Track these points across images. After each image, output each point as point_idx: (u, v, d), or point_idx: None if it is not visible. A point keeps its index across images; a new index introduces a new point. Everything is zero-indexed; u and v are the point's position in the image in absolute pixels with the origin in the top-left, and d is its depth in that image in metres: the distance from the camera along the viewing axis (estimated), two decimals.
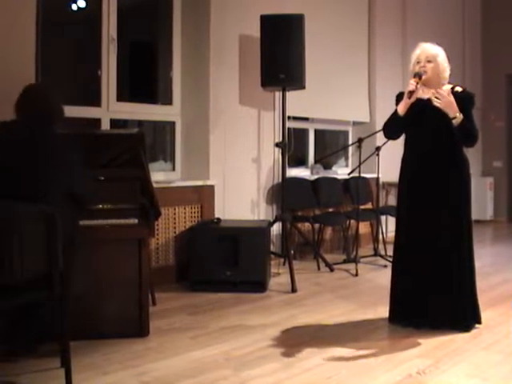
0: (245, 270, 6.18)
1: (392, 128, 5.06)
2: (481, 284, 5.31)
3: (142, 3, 7.25)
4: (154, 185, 4.96)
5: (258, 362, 4.16)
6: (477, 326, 4.92)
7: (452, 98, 4.67)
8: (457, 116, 4.66)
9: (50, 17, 5.87)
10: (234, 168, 7.30)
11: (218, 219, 6.65)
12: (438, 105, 4.68)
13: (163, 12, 7.12)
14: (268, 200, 7.78)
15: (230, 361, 4.20)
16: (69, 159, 4.02)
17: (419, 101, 4.91)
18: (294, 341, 4.63)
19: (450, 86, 4.92)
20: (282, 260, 7.27)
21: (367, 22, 9.62)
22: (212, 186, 7.00)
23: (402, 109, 4.88)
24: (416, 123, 4.88)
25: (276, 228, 7.38)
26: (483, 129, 11.96)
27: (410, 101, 4.83)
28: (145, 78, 7.22)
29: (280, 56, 6.87)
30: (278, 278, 6.80)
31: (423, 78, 4.86)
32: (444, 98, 4.67)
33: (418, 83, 4.80)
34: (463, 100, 4.82)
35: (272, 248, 7.10)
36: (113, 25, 6.41)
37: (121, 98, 6.56)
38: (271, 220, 7.20)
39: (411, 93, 4.79)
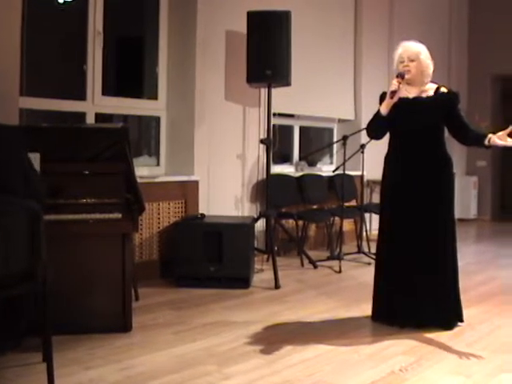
0: (229, 266, 6.17)
1: (375, 128, 5.05)
2: (464, 282, 5.32)
3: None
4: (139, 180, 4.92)
5: (242, 358, 4.14)
6: (459, 324, 4.92)
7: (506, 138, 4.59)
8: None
9: (36, 10, 5.83)
10: (219, 164, 7.28)
11: (202, 215, 6.63)
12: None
13: (150, 7, 7.08)
14: (252, 196, 7.77)
15: (213, 356, 4.18)
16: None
17: (404, 100, 4.91)
18: (277, 337, 4.61)
19: (436, 85, 4.92)
20: (265, 256, 7.24)
21: (353, 20, 9.63)
22: (196, 182, 6.97)
23: (384, 109, 4.87)
24: (400, 122, 4.87)
25: (260, 224, 7.36)
26: None
27: (392, 101, 4.82)
28: (130, 72, 7.18)
29: (266, 52, 6.85)
30: (262, 274, 6.78)
31: (406, 77, 4.86)
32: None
33: (400, 83, 4.80)
34: (450, 100, 4.85)
35: (256, 244, 7.07)
36: (99, 19, 6.36)
37: (106, 92, 6.51)
38: (255, 216, 7.20)
39: (393, 93, 4.78)
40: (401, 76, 4.82)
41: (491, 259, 8.11)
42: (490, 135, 4.62)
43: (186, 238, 6.23)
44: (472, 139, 4.82)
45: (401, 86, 4.80)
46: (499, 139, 4.56)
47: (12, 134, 3.90)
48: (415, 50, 4.88)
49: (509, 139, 4.53)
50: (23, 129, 4.83)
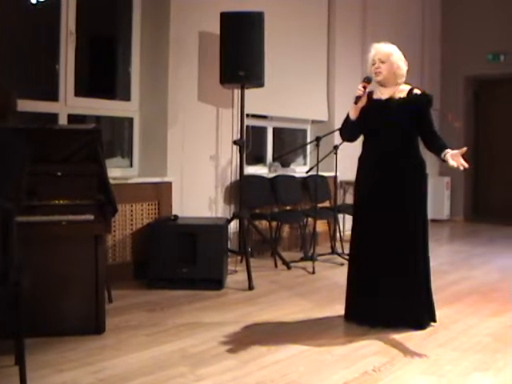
0: (202, 268, 6.17)
1: (347, 131, 5.11)
2: (437, 282, 5.37)
3: None
4: (111, 181, 4.91)
5: (215, 360, 4.15)
6: (432, 324, 4.96)
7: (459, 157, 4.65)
8: None
9: (8, 9, 5.79)
10: (192, 165, 7.27)
11: (176, 216, 6.62)
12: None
13: (123, 7, 7.06)
14: (226, 197, 7.77)
15: (186, 358, 4.18)
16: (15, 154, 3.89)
17: (376, 101, 4.95)
18: (250, 338, 4.62)
19: (409, 87, 4.96)
20: (239, 257, 7.26)
21: (327, 21, 9.65)
22: (170, 183, 6.96)
23: (352, 113, 4.93)
24: (372, 124, 4.91)
25: (233, 225, 7.37)
26: (441, 129, 12.05)
27: (357, 106, 4.86)
28: (103, 73, 7.14)
29: (239, 53, 6.88)
30: (235, 275, 6.79)
31: (377, 79, 4.91)
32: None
33: (365, 87, 4.83)
34: (421, 103, 4.88)
35: (229, 245, 7.07)
36: (72, 19, 6.33)
37: (79, 93, 6.48)
38: (229, 217, 7.20)
39: (358, 98, 4.83)
40: (367, 80, 4.86)
41: (464, 259, 8.18)
42: (447, 151, 4.66)
43: (159, 240, 6.22)
44: (434, 148, 4.85)
45: (366, 90, 4.85)
46: (452, 158, 4.62)
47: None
48: (386, 52, 4.92)
49: (461, 159, 4.59)
50: None
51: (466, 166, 4.55)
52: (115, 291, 5.70)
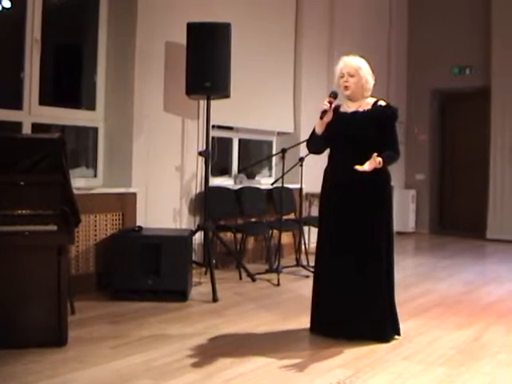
0: (166, 279, 6.16)
1: (313, 145, 5.15)
2: (402, 295, 5.42)
3: (68, 5, 7.15)
4: (75, 191, 4.90)
5: (179, 372, 4.14)
6: (396, 337, 5.00)
7: (374, 162, 4.67)
8: (379, 166, 4.71)
9: None
10: (157, 176, 7.26)
11: (140, 227, 6.60)
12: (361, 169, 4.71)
13: (89, 15, 7.04)
14: (191, 209, 7.77)
15: (150, 371, 4.17)
16: None
17: (342, 114, 4.99)
18: (214, 351, 4.62)
19: (374, 99, 5.00)
20: (203, 269, 7.25)
21: (294, 33, 9.71)
22: (134, 194, 6.94)
23: (318, 128, 4.96)
24: (337, 137, 4.94)
25: (198, 237, 7.35)
26: (407, 142, 12.28)
27: (323, 121, 4.90)
28: (68, 82, 7.11)
29: (205, 64, 6.89)
30: (200, 287, 6.78)
31: (346, 93, 4.96)
32: (369, 169, 4.69)
33: (331, 103, 4.87)
34: (385, 114, 4.92)
35: (194, 257, 7.07)
36: (37, 26, 6.28)
37: (43, 101, 6.43)
38: (193, 229, 7.19)
39: (324, 113, 4.86)
40: (333, 95, 4.89)
41: (429, 272, 8.27)
42: (375, 154, 4.69)
43: (123, 251, 6.20)
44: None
45: (332, 105, 4.88)
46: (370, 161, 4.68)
47: None
48: (355, 65, 4.96)
49: (368, 164, 4.66)
50: None
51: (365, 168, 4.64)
52: (78, 303, 5.66)
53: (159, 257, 6.19)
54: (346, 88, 4.97)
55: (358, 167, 4.66)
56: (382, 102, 4.98)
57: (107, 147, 7.07)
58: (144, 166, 7.08)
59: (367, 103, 4.97)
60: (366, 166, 4.64)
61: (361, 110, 4.95)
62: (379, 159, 4.67)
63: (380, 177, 4.92)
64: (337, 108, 5.05)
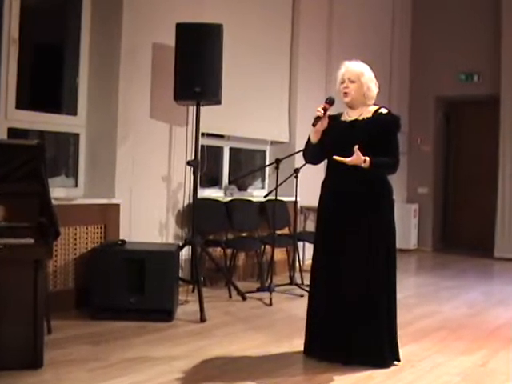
0: (151, 297, 6.14)
1: (309, 154, 5.15)
2: (403, 317, 5.41)
3: (48, 3, 7.16)
4: (54, 202, 4.89)
5: None
6: (396, 363, 4.96)
7: (357, 156, 4.71)
8: (363, 165, 4.73)
9: None
10: (142, 186, 7.26)
11: (123, 241, 6.59)
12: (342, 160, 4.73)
13: (71, 12, 7.04)
14: (178, 222, 7.76)
15: None
16: None
17: (341, 123, 4.99)
18: (201, 374, 4.61)
19: (375, 107, 5.01)
20: (190, 287, 7.25)
21: (290, 37, 9.75)
22: (117, 205, 6.93)
23: (312, 137, 4.96)
24: (335, 147, 4.90)
25: (185, 252, 7.36)
26: (409, 153, 12.28)
27: (317, 128, 4.89)
28: (48, 84, 7.10)
29: (195, 68, 6.89)
30: (187, 306, 6.77)
31: (346, 100, 4.96)
32: (349, 162, 4.72)
33: (326, 109, 4.87)
34: (386, 123, 4.92)
35: (181, 274, 7.07)
36: (15, 25, 6.27)
37: (21, 105, 6.42)
38: (180, 244, 7.19)
39: (317, 120, 4.85)
40: (329, 101, 4.89)
41: (432, 292, 8.28)
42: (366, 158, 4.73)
43: (104, 266, 6.18)
44: None
45: (327, 112, 4.88)
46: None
47: None
48: (357, 71, 4.96)
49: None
50: None
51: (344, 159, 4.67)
52: (55, 321, 5.63)
53: (143, 273, 6.17)
54: (346, 94, 4.97)
55: (337, 157, 4.68)
56: (383, 110, 4.98)
57: (89, 155, 7.06)
58: (128, 175, 7.07)
59: (368, 111, 4.97)
60: (347, 159, 4.66)
61: (361, 118, 4.95)
62: (365, 158, 4.68)
63: (381, 190, 4.93)
64: (337, 116, 5.05)
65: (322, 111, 4.86)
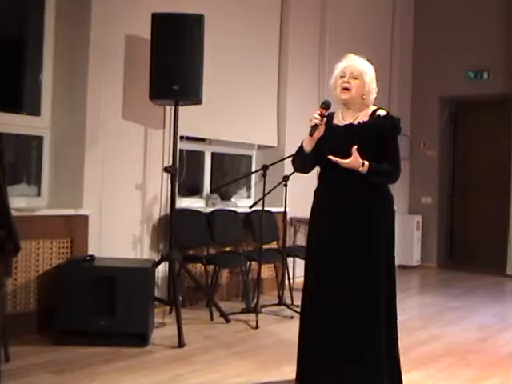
0: (123, 320, 6.13)
1: (300, 163, 5.11)
2: (405, 341, 5.40)
3: None
4: (14, 213, 4.86)
5: None
6: None
7: (355, 158, 4.70)
8: (360, 169, 4.72)
9: None
10: (114, 195, 7.24)
11: (92, 257, 6.56)
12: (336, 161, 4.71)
13: (33, 2, 7.03)
14: (153, 235, 7.75)
15: None
16: None
17: (336, 127, 4.96)
18: None
19: (373, 108, 4.98)
20: (167, 308, 7.25)
21: (279, 32, 9.76)
22: (86, 217, 6.91)
23: (307, 145, 4.91)
24: (329, 154, 4.87)
25: (162, 269, 7.35)
26: (411, 159, 12.32)
27: (313, 138, 4.85)
28: (7, 81, 7.07)
29: (174, 63, 6.88)
30: (163, 329, 6.75)
31: (343, 97, 4.92)
32: (346, 164, 4.70)
33: (324, 116, 4.83)
34: (385, 126, 4.89)
35: (156, 293, 7.06)
36: None
37: None
38: (156, 259, 7.17)
39: (314, 127, 4.82)
40: (325, 106, 4.84)
41: (436, 314, 8.28)
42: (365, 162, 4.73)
43: (71, 285, 6.15)
44: None
45: (324, 119, 4.85)
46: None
47: None
48: (361, 68, 4.92)
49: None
50: None
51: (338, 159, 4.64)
52: (14, 347, 5.60)
53: (115, 292, 6.15)
54: (346, 90, 4.92)
55: (333, 158, 4.66)
56: (381, 112, 4.94)
57: (54, 160, 7.04)
58: (98, 183, 7.05)
59: (365, 114, 4.93)
60: (345, 161, 4.65)
61: (356, 122, 4.92)
62: (364, 161, 4.66)
63: (381, 200, 4.91)
64: (329, 119, 5.01)
65: (319, 118, 4.82)
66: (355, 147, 4.65)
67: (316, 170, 5.12)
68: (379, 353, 4.84)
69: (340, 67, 4.98)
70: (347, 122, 4.93)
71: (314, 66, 10.07)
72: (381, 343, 4.85)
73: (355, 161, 4.66)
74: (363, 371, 4.82)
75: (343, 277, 4.84)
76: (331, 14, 10.49)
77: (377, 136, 4.83)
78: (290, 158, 5.22)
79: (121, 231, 7.35)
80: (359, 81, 4.89)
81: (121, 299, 6.14)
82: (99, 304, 6.14)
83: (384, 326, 4.88)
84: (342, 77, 4.94)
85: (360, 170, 4.69)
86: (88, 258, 6.54)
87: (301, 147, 5.00)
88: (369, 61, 5.01)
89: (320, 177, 5.06)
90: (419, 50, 12.76)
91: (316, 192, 5.06)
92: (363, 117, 4.92)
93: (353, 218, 4.85)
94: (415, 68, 12.80)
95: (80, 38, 6.95)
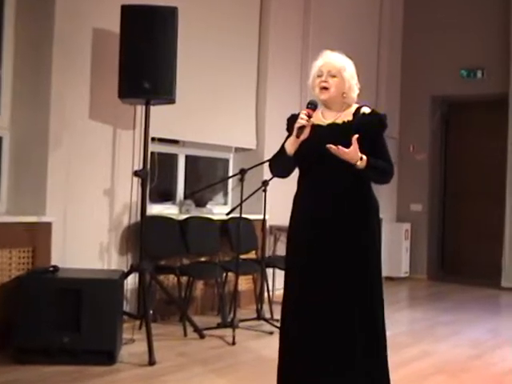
0: (88, 336, 6.10)
1: (279, 165, 5.08)
2: (394, 358, 5.38)
3: None
4: None
5: None
6: None
7: (355, 149, 4.67)
8: (358, 163, 4.70)
9: None
10: (80, 201, 7.22)
11: (55, 268, 6.53)
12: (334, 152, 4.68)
13: None
14: (122, 244, 7.73)
15: None
16: None
17: (317, 128, 4.93)
18: None
19: (356, 106, 4.97)
20: (137, 323, 7.22)
21: (258, 27, 9.77)
22: (49, 224, 6.88)
23: (289, 148, 4.88)
24: (311, 157, 4.86)
25: (131, 281, 7.34)
26: (400, 163, 12.31)
27: (299, 140, 4.83)
28: None
29: (145, 59, 6.88)
30: (132, 346, 6.72)
31: (324, 98, 4.90)
32: (345, 154, 4.68)
33: (310, 117, 4.81)
34: (371, 124, 4.87)
35: (125, 307, 7.04)
36: None
37: None
38: (125, 270, 7.15)
39: (301, 129, 4.79)
40: (312, 106, 4.82)
41: (427, 329, 8.30)
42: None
43: (32, 298, 6.13)
44: None
45: (311, 119, 4.82)
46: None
47: None
48: (339, 65, 4.90)
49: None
50: None
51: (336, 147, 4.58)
52: None
53: (80, 306, 6.13)
54: (324, 90, 4.91)
55: (332, 146, 4.60)
56: (365, 109, 4.92)
57: (14, 163, 7.01)
58: (62, 188, 7.03)
59: (348, 113, 4.92)
60: (345, 150, 4.60)
61: (339, 121, 4.91)
62: (362, 155, 4.64)
63: (365, 206, 4.90)
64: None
65: (306, 118, 4.80)
66: (356, 136, 4.60)
67: (296, 174, 5.10)
68: (366, 370, 4.83)
69: (317, 65, 4.95)
70: (330, 121, 4.92)
71: (297, 60, 10.09)
72: (372, 360, 4.84)
73: (355, 152, 4.61)
74: None
75: (326, 289, 4.83)
76: (315, 8, 10.50)
77: (364, 135, 4.81)
78: (268, 163, 5.20)
79: (87, 240, 7.32)
80: (338, 79, 4.87)
81: (86, 313, 6.11)
82: (63, 319, 6.11)
83: (372, 343, 4.87)
84: (319, 76, 4.92)
85: (358, 164, 4.65)
86: (51, 268, 6.50)
87: (281, 150, 4.97)
88: (347, 55, 5.01)
89: (299, 182, 5.03)
90: (409, 47, 12.80)
91: (295, 198, 5.03)
92: (346, 116, 4.89)
93: (336, 226, 4.82)
94: (405, 65, 12.84)
95: (43, 32, 6.93)
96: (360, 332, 4.82)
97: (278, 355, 5.04)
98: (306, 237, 4.94)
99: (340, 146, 4.58)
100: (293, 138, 4.80)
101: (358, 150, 4.62)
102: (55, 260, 6.85)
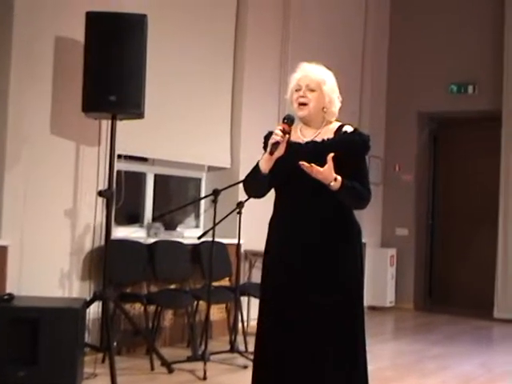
0: (47, 370, 6.07)
1: (254, 186, 5.05)
2: None
3: None
4: None
5: None
6: None
7: (329, 169, 4.63)
8: (332, 184, 4.66)
9: None
10: (39, 223, 7.19)
11: (10, 295, 6.48)
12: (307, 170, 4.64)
13: None
14: (85, 270, 7.69)
15: None
16: None
17: (295, 146, 4.90)
18: None
19: (338, 124, 4.95)
20: (100, 356, 7.18)
21: (234, 36, 9.79)
22: (4, 248, 6.85)
23: (263, 165, 4.84)
24: (288, 177, 4.84)
25: (94, 310, 7.29)
26: (385, 184, 12.33)
27: (273, 157, 4.79)
28: None
29: (111, 70, 6.91)
30: (94, 381, 6.67)
31: (301, 114, 4.87)
32: (318, 172, 4.63)
33: (286, 132, 4.77)
34: (352, 144, 4.85)
35: (87, 338, 7.00)
36: None
37: None
38: (88, 298, 7.11)
39: (276, 145, 4.76)
40: (288, 121, 4.79)
41: (413, 363, 8.29)
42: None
43: None
44: None
45: (287, 136, 4.78)
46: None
47: None
48: (318, 78, 4.89)
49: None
50: None
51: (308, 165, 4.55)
52: None
53: (37, 337, 6.10)
54: (302, 106, 4.89)
55: (305, 164, 4.56)
56: (348, 128, 4.90)
57: None
58: (19, 209, 7.00)
59: (328, 130, 4.90)
60: (319, 169, 4.56)
61: (319, 139, 4.88)
62: (338, 177, 4.60)
63: (346, 231, 4.88)
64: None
65: (281, 134, 4.77)
66: (331, 154, 4.57)
67: (271, 195, 5.07)
68: None
69: (295, 78, 4.92)
70: (308, 139, 4.89)
71: (274, 75, 10.08)
72: None
73: (329, 171, 4.57)
74: None
75: (303, 321, 4.80)
76: (295, 17, 10.53)
77: (344, 155, 4.78)
78: (242, 182, 5.17)
79: (46, 265, 7.27)
80: (317, 93, 4.84)
81: (44, 345, 6.08)
82: (18, 351, 6.08)
83: (355, 378, 4.85)
84: (297, 90, 4.89)
85: (331, 184, 4.62)
86: (6, 296, 6.45)
87: (256, 168, 4.94)
88: (328, 68, 4.98)
89: (275, 203, 5.00)
90: (395, 61, 12.84)
91: (271, 221, 5.00)
92: (327, 133, 4.86)
93: (312, 254, 4.80)
94: (390, 80, 12.88)
95: (1, 40, 6.90)
96: (337, 371, 4.80)
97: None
98: (281, 262, 4.91)
99: (313, 164, 4.54)
100: (267, 154, 4.76)
101: (332, 169, 4.57)
102: (11, 287, 6.81)
